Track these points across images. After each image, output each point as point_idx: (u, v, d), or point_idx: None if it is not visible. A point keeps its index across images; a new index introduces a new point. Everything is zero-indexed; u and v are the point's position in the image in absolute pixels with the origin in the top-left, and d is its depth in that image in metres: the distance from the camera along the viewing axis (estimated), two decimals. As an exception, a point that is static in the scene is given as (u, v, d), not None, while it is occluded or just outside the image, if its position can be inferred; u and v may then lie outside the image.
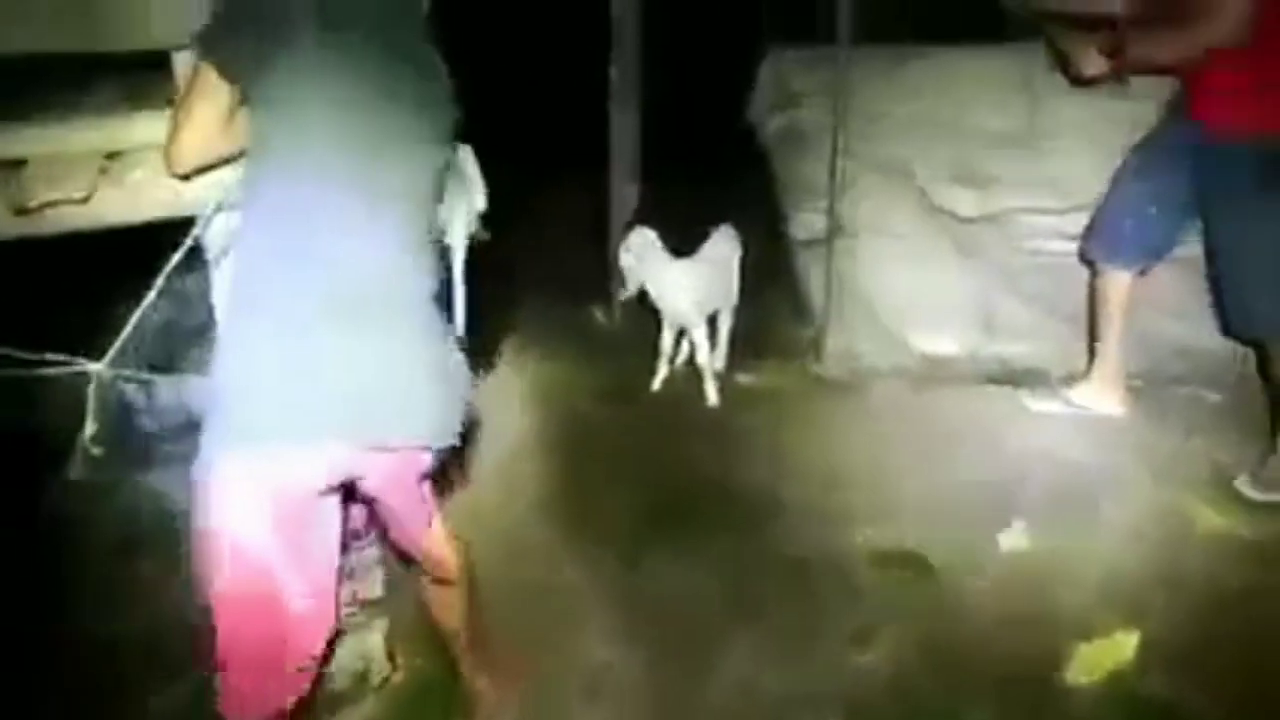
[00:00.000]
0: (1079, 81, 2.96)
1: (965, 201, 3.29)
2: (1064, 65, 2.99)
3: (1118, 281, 3.02)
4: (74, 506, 2.29)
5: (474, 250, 2.61)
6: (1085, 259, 3.12)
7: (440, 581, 2.02)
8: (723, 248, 3.51)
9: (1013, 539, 2.64)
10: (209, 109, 1.50)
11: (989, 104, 3.12)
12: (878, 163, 3.33)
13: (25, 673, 2.15)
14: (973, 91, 3.14)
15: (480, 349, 3.76)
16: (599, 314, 4.10)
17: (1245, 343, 2.99)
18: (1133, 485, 2.85)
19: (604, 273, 4.00)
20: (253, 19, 1.46)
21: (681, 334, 3.53)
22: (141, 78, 1.60)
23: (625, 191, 3.72)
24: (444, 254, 1.88)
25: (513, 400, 3.53)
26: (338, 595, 1.71)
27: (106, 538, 2.34)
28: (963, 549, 2.63)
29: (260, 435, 1.49)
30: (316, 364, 1.51)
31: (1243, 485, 2.78)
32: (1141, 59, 2.78)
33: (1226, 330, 2.97)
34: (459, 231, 3.35)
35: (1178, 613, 2.36)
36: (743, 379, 3.62)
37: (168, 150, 1.54)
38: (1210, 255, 2.88)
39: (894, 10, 3.09)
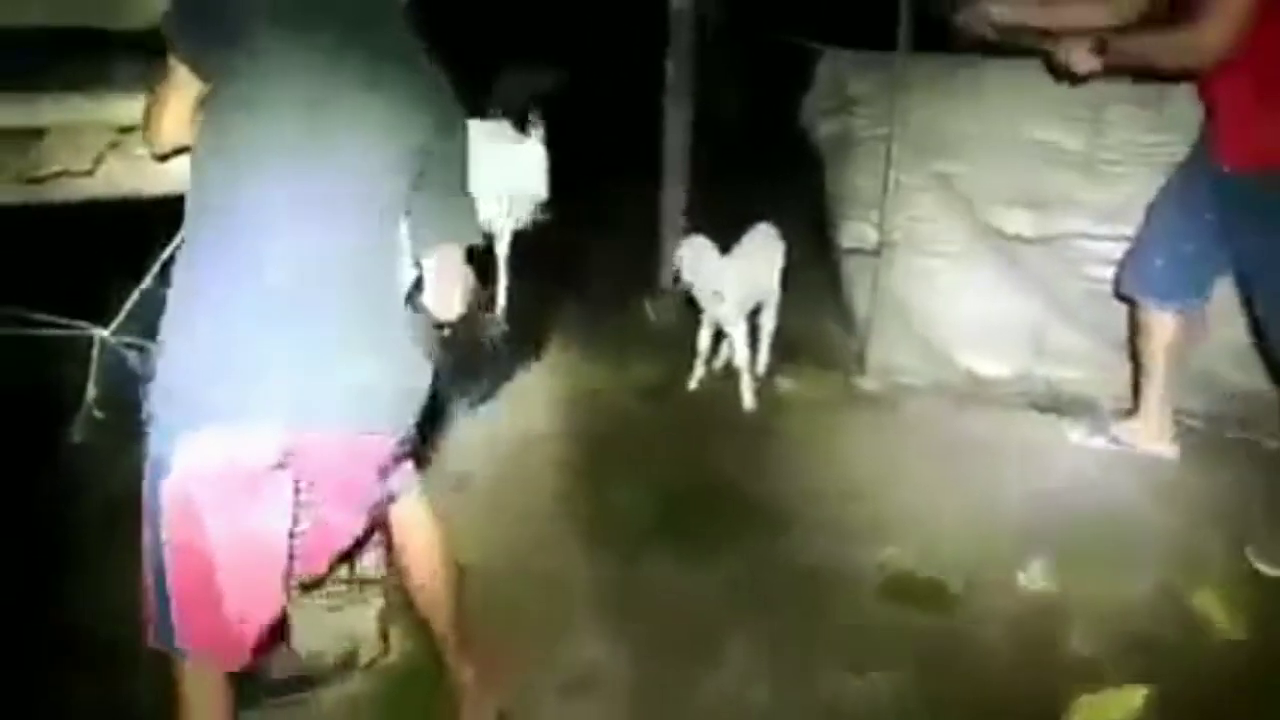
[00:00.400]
0: (1073, 80, 2.84)
1: (1020, 221, 3.17)
2: (1054, 68, 2.86)
3: (1159, 319, 2.88)
4: (76, 468, 2.36)
5: (527, 241, 2.65)
6: (1119, 293, 2.99)
7: (408, 566, 2.04)
8: (761, 244, 3.47)
9: (1033, 577, 2.54)
10: (181, 95, 1.53)
11: (1049, 121, 2.99)
12: (931, 175, 3.23)
13: (25, 638, 2.21)
14: (1034, 107, 3.01)
15: (525, 337, 3.84)
16: (649, 310, 4.08)
17: None
18: (1169, 533, 2.72)
19: (653, 272, 3.99)
20: (207, 12, 1.49)
21: (721, 335, 3.49)
22: (154, 54, 1.62)
23: (675, 191, 3.70)
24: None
25: (548, 391, 3.55)
26: (287, 570, 1.71)
27: (103, 499, 2.39)
28: (981, 582, 2.54)
29: (201, 416, 1.52)
30: (255, 349, 1.53)
31: (1252, 554, 2.60)
32: (1129, 57, 2.66)
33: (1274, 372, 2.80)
34: (504, 220, 3.40)
35: (1193, 670, 2.25)
36: (782, 384, 3.58)
37: (144, 132, 1.57)
38: (1246, 296, 2.74)
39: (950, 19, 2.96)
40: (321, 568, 1.90)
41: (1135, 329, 2.97)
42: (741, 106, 3.71)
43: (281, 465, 1.59)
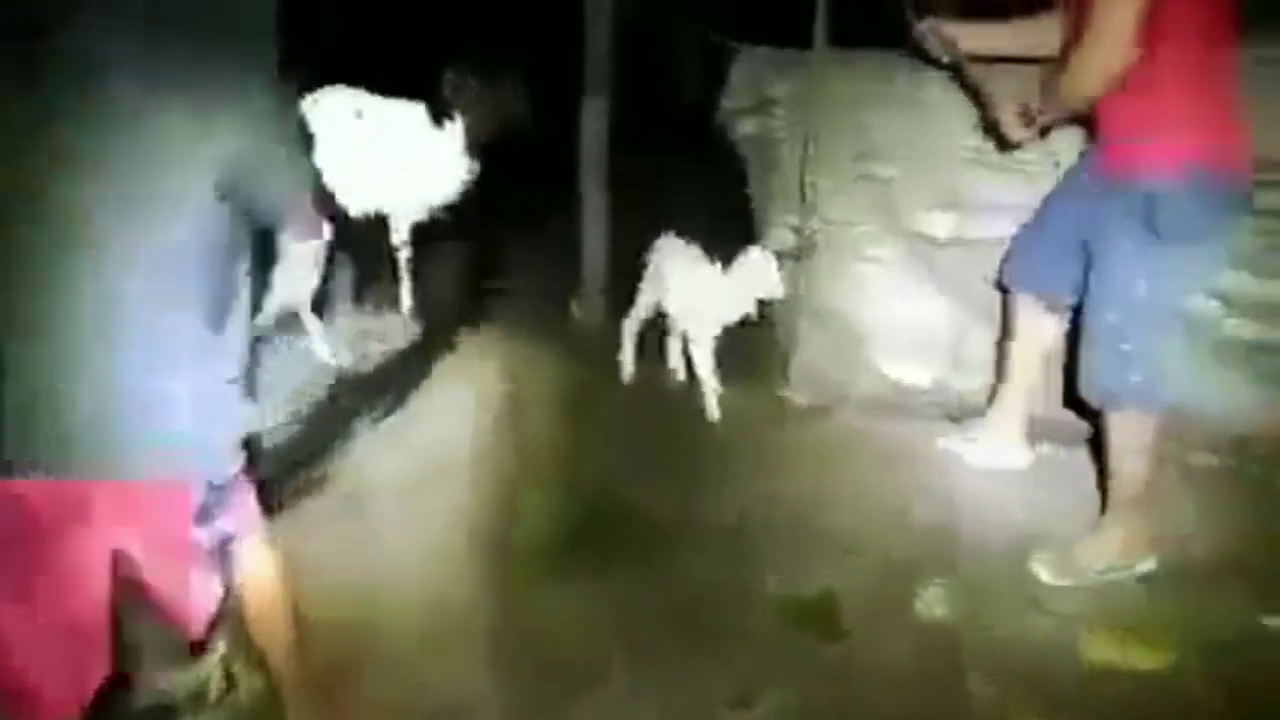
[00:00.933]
0: (1006, 146, 2.77)
1: (942, 224, 3.05)
2: (993, 132, 2.79)
3: (1026, 314, 2.78)
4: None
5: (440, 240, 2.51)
6: (999, 284, 2.90)
7: (246, 608, 1.91)
8: (757, 268, 3.16)
9: (931, 603, 2.43)
10: None
11: (968, 122, 2.86)
12: (852, 177, 3.11)
13: None
14: (953, 108, 2.88)
15: (438, 340, 3.73)
16: (574, 309, 3.97)
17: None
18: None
19: (576, 272, 3.88)
20: None
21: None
22: None
23: (594, 191, 3.57)
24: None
25: (459, 399, 3.44)
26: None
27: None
28: (877, 608, 2.43)
29: None
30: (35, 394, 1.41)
31: (1037, 564, 2.53)
32: (1051, 113, 2.57)
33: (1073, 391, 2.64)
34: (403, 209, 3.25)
35: (1091, 709, 2.14)
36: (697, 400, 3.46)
37: None
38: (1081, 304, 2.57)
39: (872, 13, 2.83)
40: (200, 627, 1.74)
41: (1004, 327, 2.89)
42: (660, 104, 3.58)
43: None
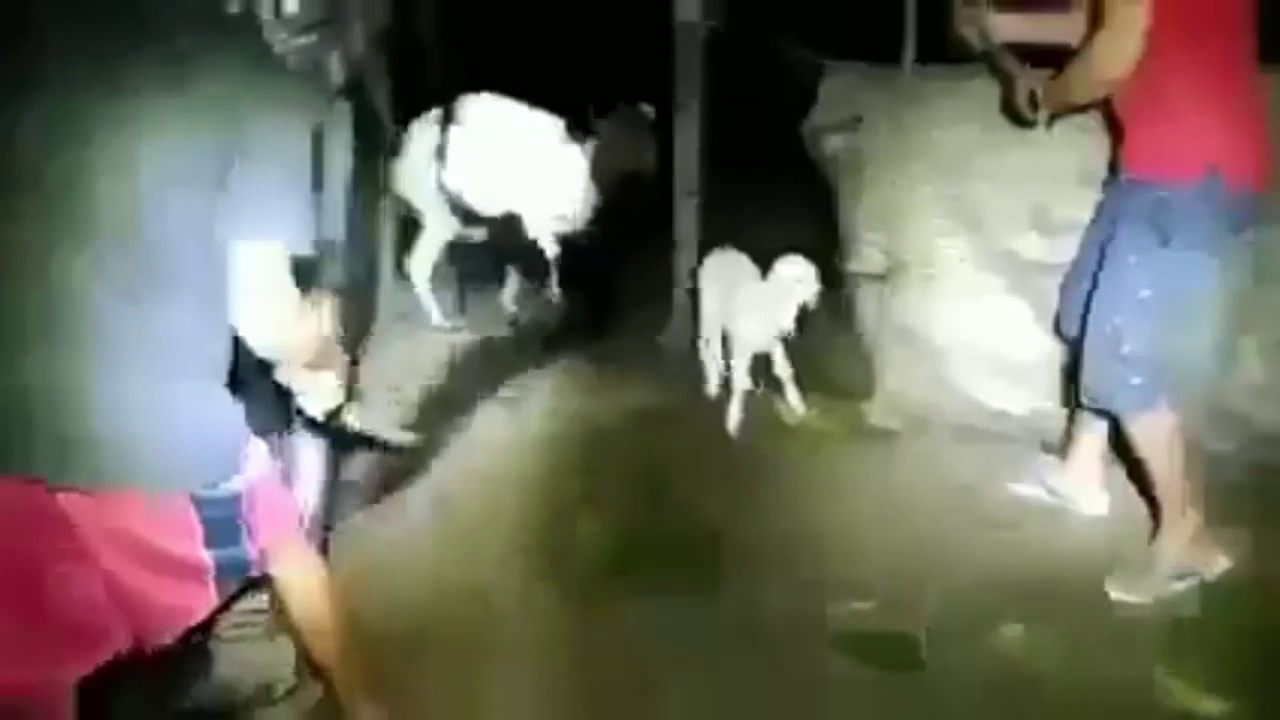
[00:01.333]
0: (1020, 124, 2.69)
1: (1035, 246, 2.93)
2: (1008, 111, 2.72)
3: None
4: None
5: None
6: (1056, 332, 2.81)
7: (292, 623, 1.95)
8: (790, 278, 3.19)
9: (1010, 642, 2.33)
10: None
11: (1064, 139, 2.74)
12: (942, 196, 3.01)
13: None
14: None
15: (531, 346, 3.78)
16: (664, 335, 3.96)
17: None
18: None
19: (666, 286, 3.87)
20: None
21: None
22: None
23: (686, 205, 3.57)
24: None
25: (543, 408, 3.47)
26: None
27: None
28: (952, 643, 2.34)
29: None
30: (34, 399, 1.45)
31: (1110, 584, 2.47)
32: (1057, 100, 2.53)
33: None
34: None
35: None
36: (785, 412, 3.41)
37: None
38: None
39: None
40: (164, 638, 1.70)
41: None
42: (750, 121, 3.56)
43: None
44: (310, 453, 2.33)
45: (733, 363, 3.32)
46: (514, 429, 3.34)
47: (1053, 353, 2.97)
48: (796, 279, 3.12)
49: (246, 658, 2.15)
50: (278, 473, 1.85)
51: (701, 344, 3.52)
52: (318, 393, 1.91)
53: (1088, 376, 2.49)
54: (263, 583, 1.90)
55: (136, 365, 1.47)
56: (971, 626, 2.38)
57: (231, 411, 1.63)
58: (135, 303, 1.45)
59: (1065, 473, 2.82)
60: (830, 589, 2.53)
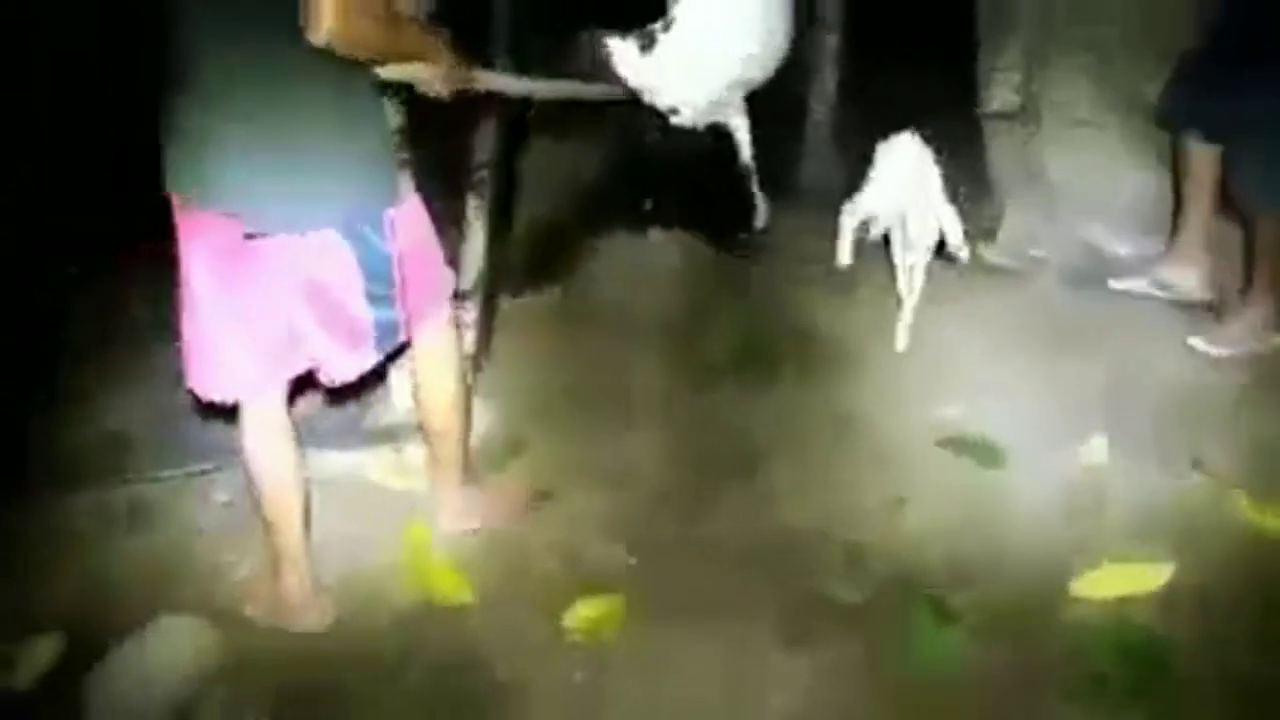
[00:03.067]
0: None
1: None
2: None
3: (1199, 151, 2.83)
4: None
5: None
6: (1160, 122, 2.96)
7: (420, 385, 2.22)
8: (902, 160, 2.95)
9: (1092, 451, 2.54)
10: None
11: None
12: (1084, 41, 3.07)
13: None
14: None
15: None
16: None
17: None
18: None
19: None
20: None
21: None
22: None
23: (826, 39, 3.63)
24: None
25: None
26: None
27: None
28: (1036, 449, 2.55)
29: (177, 187, 1.81)
30: (209, 142, 1.74)
31: (1197, 342, 2.82)
32: None
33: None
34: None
35: (1221, 564, 2.21)
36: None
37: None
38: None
39: None
40: (334, 378, 2.03)
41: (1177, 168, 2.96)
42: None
43: (251, 238, 1.81)
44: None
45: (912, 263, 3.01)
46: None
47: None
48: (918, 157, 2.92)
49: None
50: (432, 238, 2.09)
51: (845, 211, 3.15)
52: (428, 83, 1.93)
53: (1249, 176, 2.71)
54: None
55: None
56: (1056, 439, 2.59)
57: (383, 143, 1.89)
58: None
59: (1169, 264, 3.00)
60: (927, 398, 2.76)
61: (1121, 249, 3.21)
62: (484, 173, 2.88)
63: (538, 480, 2.47)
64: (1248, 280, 2.85)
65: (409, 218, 1.97)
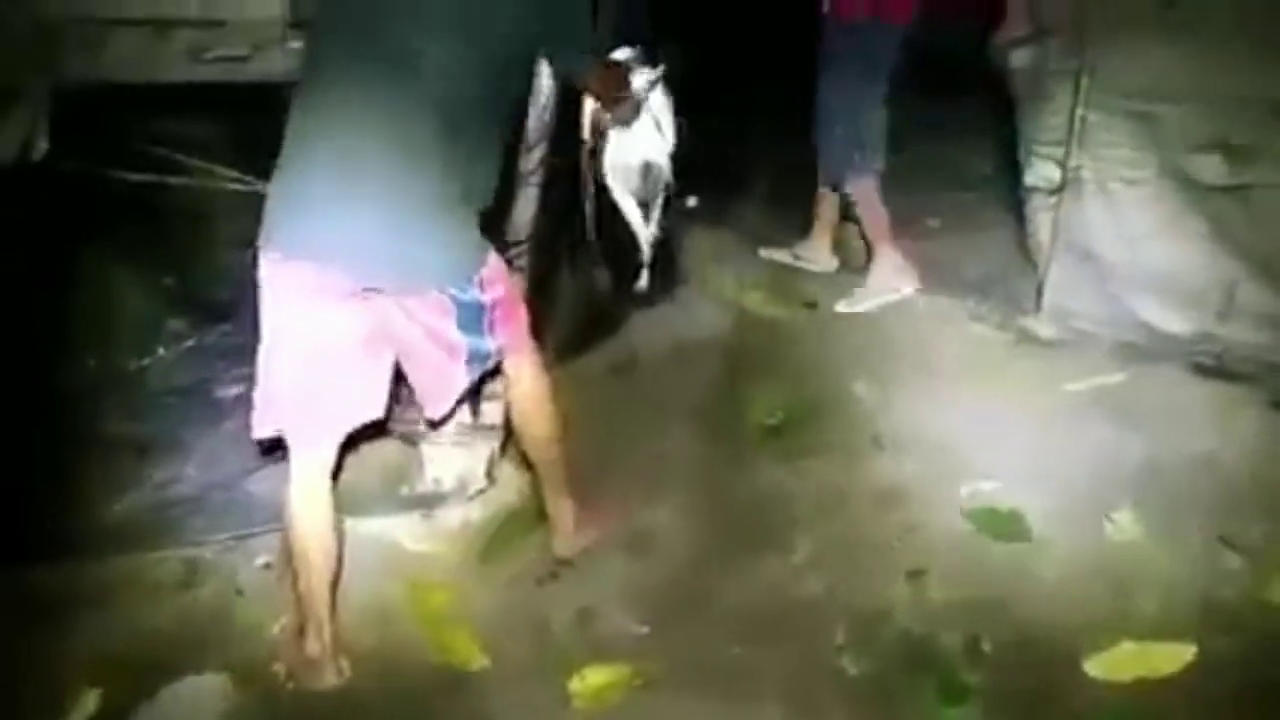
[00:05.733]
0: None
1: (1213, 168, 2.96)
2: None
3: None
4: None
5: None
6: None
7: (519, 416, 2.39)
8: None
9: (1122, 526, 2.49)
10: None
11: (1255, 67, 2.75)
12: (1123, 114, 3.06)
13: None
14: (1240, 50, 2.78)
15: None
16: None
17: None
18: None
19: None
20: None
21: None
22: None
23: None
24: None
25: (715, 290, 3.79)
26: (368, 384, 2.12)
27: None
28: (1067, 523, 2.53)
29: (280, 243, 1.95)
30: (325, 203, 1.90)
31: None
32: None
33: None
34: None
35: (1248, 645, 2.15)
36: (952, 316, 3.57)
37: None
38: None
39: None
40: (435, 410, 2.29)
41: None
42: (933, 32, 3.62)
43: (355, 296, 1.97)
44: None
45: None
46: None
47: (1222, 275, 3.01)
48: None
49: (451, 461, 2.63)
50: (517, 289, 2.32)
51: None
52: None
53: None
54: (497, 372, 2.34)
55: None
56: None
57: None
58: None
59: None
60: (958, 472, 2.74)
61: (1167, 321, 3.15)
62: (524, 246, 3.00)
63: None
64: (867, 244, 3.63)
65: (495, 272, 2.16)
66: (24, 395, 2.62)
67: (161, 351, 3.17)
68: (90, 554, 2.42)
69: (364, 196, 1.90)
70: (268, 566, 2.50)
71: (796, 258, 3.91)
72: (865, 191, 3.62)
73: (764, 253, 3.97)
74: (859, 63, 3.42)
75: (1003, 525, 2.56)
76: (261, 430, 2.11)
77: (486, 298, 2.10)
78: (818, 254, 3.90)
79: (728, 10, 4.51)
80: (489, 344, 2.18)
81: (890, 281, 3.63)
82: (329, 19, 1.97)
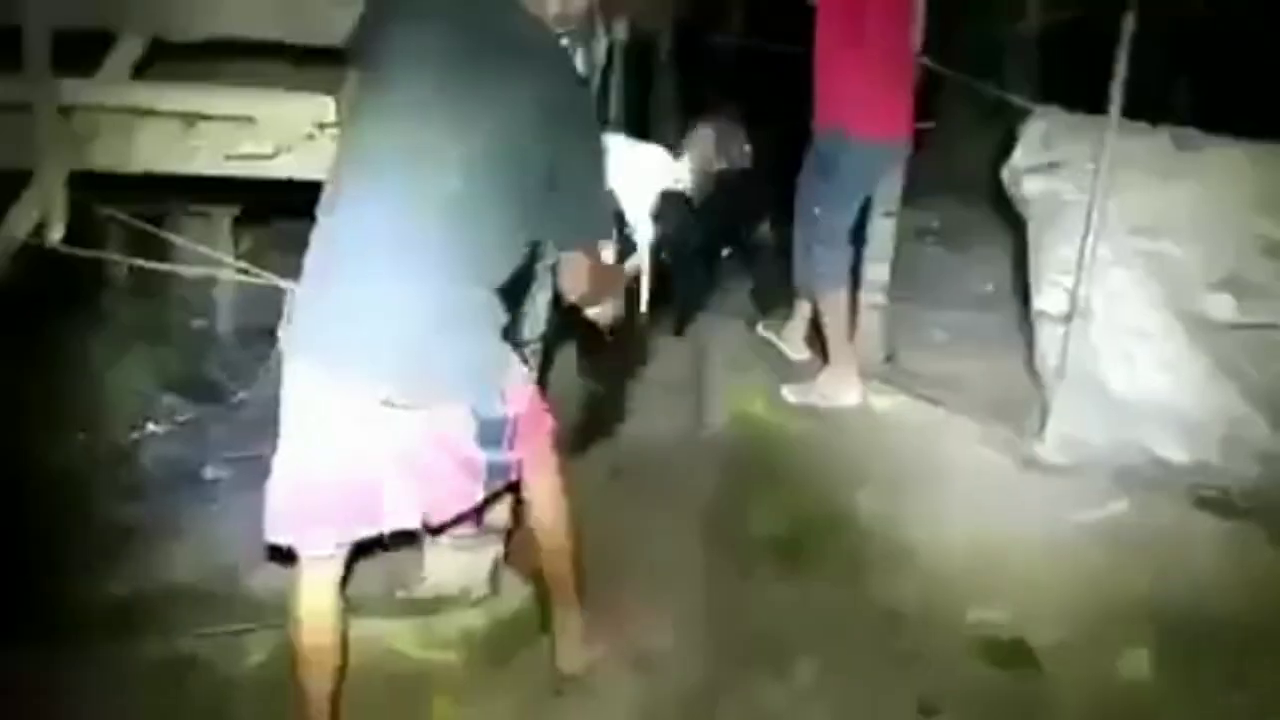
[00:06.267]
0: None
1: (1223, 307, 3.01)
2: None
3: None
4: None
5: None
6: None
7: (535, 528, 2.36)
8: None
9: (1133, 666, 2.46)
10: None
11: (1263, 209, 2.82)
12: (1134, 250, 3.12)
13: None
14: (1249, 193, 2.86)
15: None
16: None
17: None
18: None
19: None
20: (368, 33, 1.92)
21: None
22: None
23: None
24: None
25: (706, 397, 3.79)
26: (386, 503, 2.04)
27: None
28: (1075, 660, 2.49)
29: (302, 350, 1.94)
30: (348, 317, 1.88)
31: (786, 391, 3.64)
32: None
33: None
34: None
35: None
36: (957, 434, 3.56)
37: None
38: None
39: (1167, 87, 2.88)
40: (441, 518, 2.21)
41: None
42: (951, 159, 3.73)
43: (375, 405, 1.93)
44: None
45: None
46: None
47: (1226, 411, 3.03)
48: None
49: (454, 565, 2.59)
50: (538, 400, 2.29)
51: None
52: None
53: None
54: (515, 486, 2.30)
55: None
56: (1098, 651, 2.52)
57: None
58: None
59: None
60: (967, 598, 2.72)
61: (1171, 452, 3.16)
62: (537, 345, 3.01)
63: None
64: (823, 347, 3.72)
65: (520, 383, 2.16)
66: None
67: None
68: (73, 641, 2.35)
69: (386, 307, 1.88)
70: (263, 665, 2.44)
71: (780, 339, 4.04)
72: (832, 302, 3.66)
73: (760, 328, 4.11)
74: (829, 172, 3.48)
75: (1009, 655, 2.52)
76: (274, 535, 2.06)
77: (510, 411, 2.08)
78: (793, 342, 4.01)
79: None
80: (508, 458, 2.14)
81: (835, 393, 3.66)
82: (362, 125, 1.96)
